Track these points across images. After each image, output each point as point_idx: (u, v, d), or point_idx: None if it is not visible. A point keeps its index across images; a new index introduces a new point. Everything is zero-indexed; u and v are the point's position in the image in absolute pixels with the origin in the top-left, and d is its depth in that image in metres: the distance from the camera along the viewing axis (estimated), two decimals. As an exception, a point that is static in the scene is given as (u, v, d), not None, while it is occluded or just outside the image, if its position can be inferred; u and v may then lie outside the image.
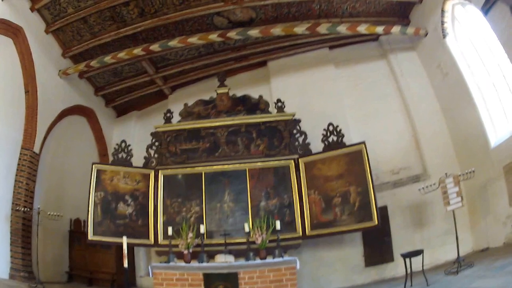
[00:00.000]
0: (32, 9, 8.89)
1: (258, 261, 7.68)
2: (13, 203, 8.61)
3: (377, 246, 8.80)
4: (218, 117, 9.48)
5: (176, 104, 10.76)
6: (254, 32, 9.49)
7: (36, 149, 9.20)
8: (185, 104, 9.82)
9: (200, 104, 9.72)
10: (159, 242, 8.64)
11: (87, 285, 9.57)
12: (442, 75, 9.20)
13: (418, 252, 7.06)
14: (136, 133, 11.53)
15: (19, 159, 8.96)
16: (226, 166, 9.11)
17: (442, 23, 8.77)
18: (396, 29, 9.51)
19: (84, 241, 9.60)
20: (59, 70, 9.92)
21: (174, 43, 9.60)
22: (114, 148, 9.44)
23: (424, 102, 9.60)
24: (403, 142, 9.65)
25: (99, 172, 8.82)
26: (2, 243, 8.13)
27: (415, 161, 9.42)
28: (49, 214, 8.62)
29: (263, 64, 11.31)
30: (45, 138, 9.50)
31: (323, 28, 9.37)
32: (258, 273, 7.36)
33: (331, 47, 10.89)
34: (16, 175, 8.82)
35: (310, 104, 9.95)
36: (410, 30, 9.56)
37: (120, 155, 9.27)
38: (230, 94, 9.74)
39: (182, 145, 9.39)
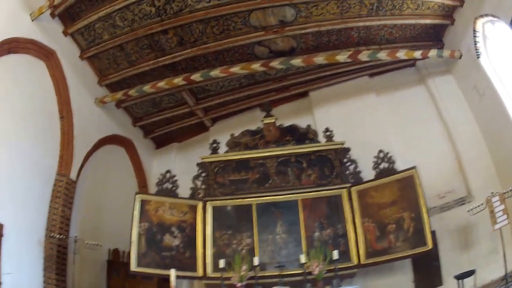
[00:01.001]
0: (65, 33, 8.86)
1: (318, 292, 7.62)
2: (47, 229, 8.47)
3: (426, 271, 8.70)
4: (266, 147, 9.48)
5: (218, 136, 10.65)
6: (297, 61, 9.52)
7: (73, 176, 9.11)
8: (232, 135, 9.84)
9: (247, 134, 9.76)
10: (208, 275, 8.51)
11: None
12: (479, 96, 9.22)
13: (471, 273, 7.19)
14: (176, 165, 11.42)
15: (54, 185, 8.83)
16: (277, 197, 9.04)
17: (475, 43, 8.84)
18: (432, 52, 9.62)
19: (123, 272, 9.59)
20: (96, 98, 9.88)
21: (216, 72, 9.56)
22: (159, 178, 9.40)
23: (464, 124, 9.60)
24: (446, 165, 9.63)
25: (143, 202, 8.77)
26: (35, 267, 8.03)
27: (459, 184, 9.39)
28: (86, 243, 8.56)
29: (304, 94, 11.32)
30: (82, 165, 9.41)
31: (364, 56, 9.44)
32: (319, 305, 7.38)
33: (371, 75, 10.96)
34: (51, 201, 8.69)
35: (353, 132, 9.90)
36: (446, 53, 9.68)
37: (164, 186, 9.22)
38: (277, 124, 9.78)
39: (230, 176, 9.37)
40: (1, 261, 7.15)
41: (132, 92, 9.83)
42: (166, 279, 9.13)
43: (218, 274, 8.16)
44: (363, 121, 10.27)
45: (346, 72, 10.75)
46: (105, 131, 10.27)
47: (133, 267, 8.28)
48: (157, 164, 11.85)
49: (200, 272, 8.56)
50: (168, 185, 9.23)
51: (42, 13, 8.00)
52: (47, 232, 8.39)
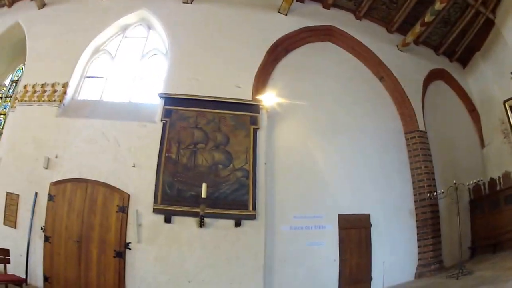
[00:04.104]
0: (327, 7, 9.09)
1: None
2: (415, 194, 8.40)
3: None
4: None
5: (506, 26, 9.78)
6: None
7: (422, 127, 8.94)
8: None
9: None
10: None
11: (492, 253, 8.53)
12: None
13: None
14: (491, 73, 10.50)
15: (407, 145, 8.80)
16: None
17: None
18: None
19: (487, 206, 9.08)
20: (397, 45, 9.72)
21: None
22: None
23: None
24: None
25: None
26: (409, 243, 8.04)
27: None
28: (468, 184, 8.18)
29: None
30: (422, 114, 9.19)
31: None
32: None
33: None
34: (411, 163, 8.65)
35: None
36: None
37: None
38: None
39: None
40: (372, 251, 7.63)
41: (427, 18, 9.24)
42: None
43: None
44: None
45: None
46: (421, 72, 9.93)
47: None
48: (472, 82, 11.10)
49: None
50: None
51: (291, 3, 8.43)
52: (416, 197, 8.38)
